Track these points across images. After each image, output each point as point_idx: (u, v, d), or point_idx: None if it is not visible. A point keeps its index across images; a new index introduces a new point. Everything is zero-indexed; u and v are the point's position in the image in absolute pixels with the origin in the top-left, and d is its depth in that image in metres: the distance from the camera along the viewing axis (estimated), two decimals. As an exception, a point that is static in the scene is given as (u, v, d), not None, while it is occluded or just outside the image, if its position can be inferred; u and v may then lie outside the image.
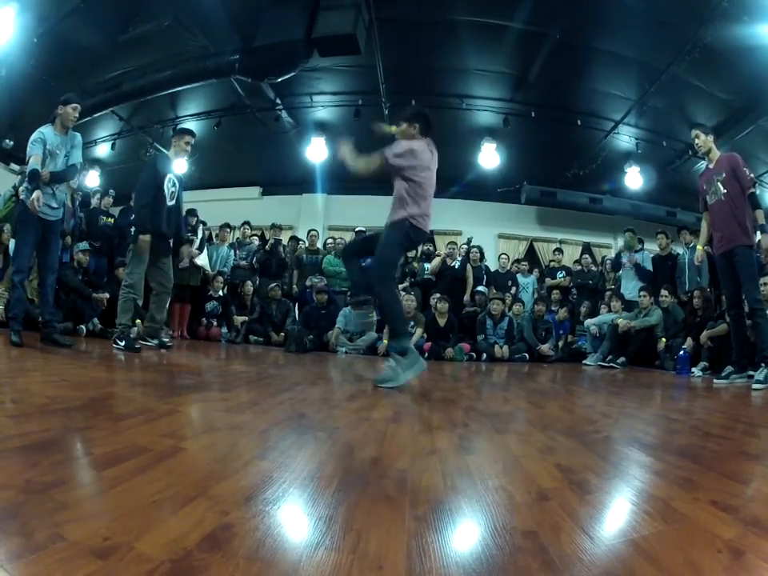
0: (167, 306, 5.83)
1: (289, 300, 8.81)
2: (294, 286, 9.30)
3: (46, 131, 4.49)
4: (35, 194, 4.24)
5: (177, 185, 5.43)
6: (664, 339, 7.20)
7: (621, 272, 8.99)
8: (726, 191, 4.79)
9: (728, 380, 4.91)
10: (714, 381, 5.05)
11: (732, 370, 4.99)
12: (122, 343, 4.97)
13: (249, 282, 8.74)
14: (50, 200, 4.52)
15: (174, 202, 5.39)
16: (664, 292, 7.63)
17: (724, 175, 4.80)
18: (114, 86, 9.05)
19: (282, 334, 8.01)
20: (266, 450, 1.53)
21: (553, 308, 9.01)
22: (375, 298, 4.22)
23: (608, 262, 9.85)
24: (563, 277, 10.03)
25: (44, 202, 4.43)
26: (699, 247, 5.52)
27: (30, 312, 4.90)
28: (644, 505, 1.16)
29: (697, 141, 5.04)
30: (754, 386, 4.32)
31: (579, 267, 10.19)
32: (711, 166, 5.02)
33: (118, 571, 0.72)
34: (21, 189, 4.54)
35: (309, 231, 10.03)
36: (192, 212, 8.19)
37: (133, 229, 5.31)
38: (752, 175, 4.84)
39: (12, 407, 1.79)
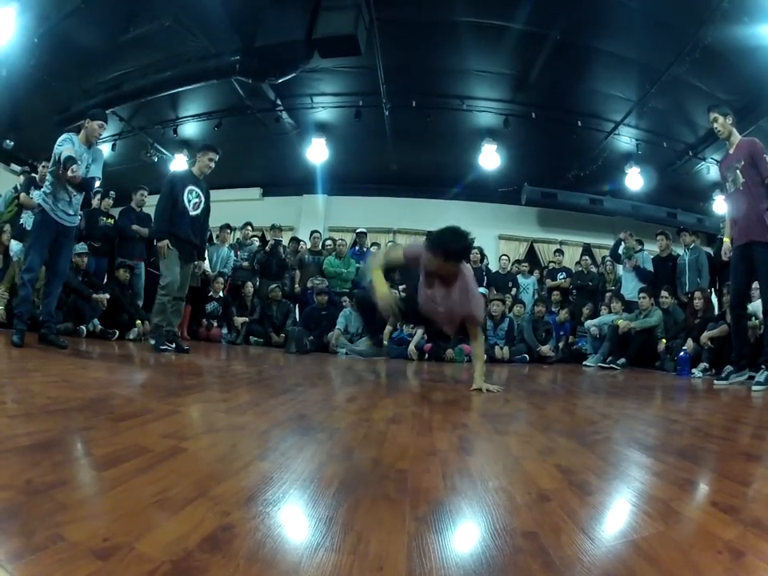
0: (183, 310, 5.94)
1: (289, 301, 8.81)
2: (297, 286, 9.29)
3: (73, 138, 4.52)
4: (73, 167, 4.19)
5: (201, 196, 5.65)
6: (664, 340, 7.20)
7: (621, 272, 9.01)
8: (744, 180, 4.56)
9: (727, 380, 4.86)
10: (714, 382, 5.02)
11: (731, 370, 4.95)
12: (152, 342, 5.38)
13: (249, 283, 8.75)
14: (66, 207, 4.55)
15: (197, 211, 5.62)
16: (664, 293, 7.63)
17: (743, 163, 4.56)
18: (114, 87, 9.06)
19: (283, 335, 8.01)
20: (266, 451, 1.53)
21: (553, 309, 9.01)
22: None
23: (608, 261, 9.86)
24: (564, 278, 10.02)
25: (60, 208, 4.49)
26: (726, 239, 5.01)
27: (31, 312, 4.89)
28: (644, 506, 1.16)
29: (715, 125, 4.74)
30: (755, 387, 4.29)
31: (579, 268, 10.18)
32: (731, 152, 4.74)
33: (119, 572, 0.72)
34: (38, 193, 4.57)
35: (312, 232, 10.01)
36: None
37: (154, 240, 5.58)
38: None
39: (13, 407, 1.80)
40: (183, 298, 5.80)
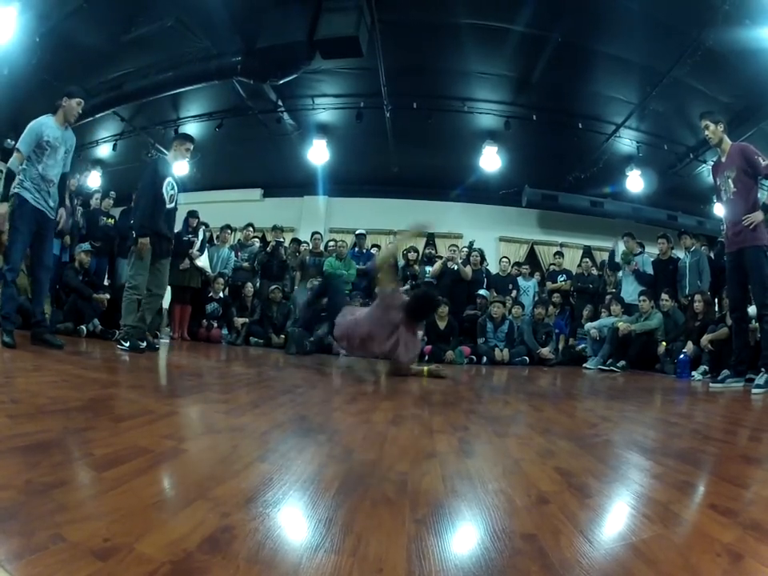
0: (158, 308, 5.81)
1: (289, 302, 8.81)
2: (296, 287, 9.30)
3: (46, 122, 4.44)
4: (1, 207, 4.22)
5: (176, 188, 5.50)
6: (664, 343, 7.19)
7: (621, 275, 9.00)
8: (735, 190, 4.61)
9: (723, 384, 4.83)
10: (710, 385, 4.96)
11: (728, 374, 4.92)
12: (127, 344, 5.00)
13: (249, 284, 8.75)
14: (46, 197, 4.46)
15: (173, 204, 5.47)
16: (664, 296, 7.62)
17: (735, 172, 4.60)
18: (115, 87, 9.07)
19: (283, 335, 8.01)
20: (266, 453, 1.53)
21: (550, 311, 9.00)
22: None
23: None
24: (564, 280, 10.02)
25: (42, 197, 4.42)
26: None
27: (18, 307, 4.78)
28: (643, 508, 1.16)
29: (706, 132, 4.79)
30: (754, 390, 4.28)
31: (580, 271, 10.17)
32: (723, 159, 4.77)
33: (119, 572, 0.72)
34: (14, 183, 4.47)
35: (312, 234, 10.01)
36: (193, 213, 8.20)
37: (133, 232, 5.31)
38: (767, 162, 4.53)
39: (12, 407, 1.79)
40: (162, 295, 5.63)
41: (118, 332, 6.09)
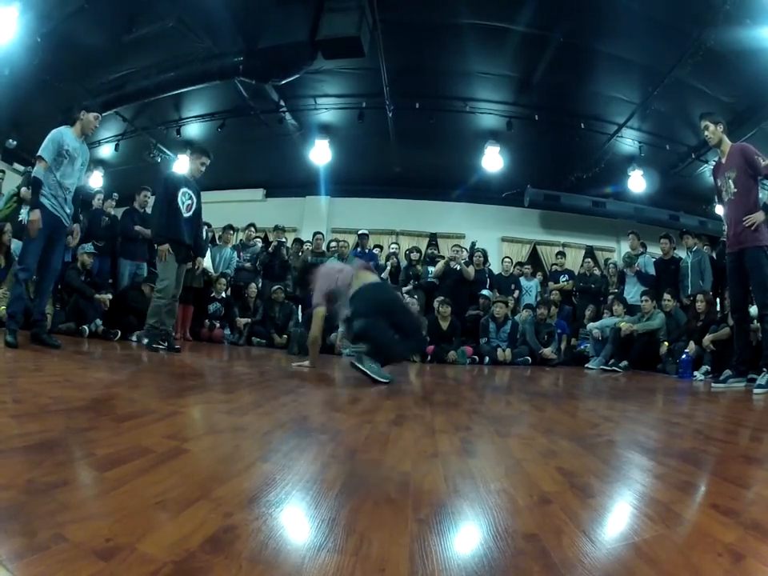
0: (175, 309, 5.92)
1: (292, 302, 8.81)
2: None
3: (66, 132, 4.51)
4: (33, 214, 4.26)
5: (194, 198, 5.72)
6: (666, 343, 7.19)
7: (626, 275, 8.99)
8: (736, 190, 4.60)
9: (725, 384, 4.81)
10: (712, 385, 4.95)
11: (730, 374, 4.90)
12: (145, 341, 5.49)
13: (253, 284, 8.75)
14: (63, 203, 4.53)
15: (190, 213, 5.68)
16: (666, 296, 7.62)
17: (735, 172, 4.59)
18: (117, 87, 9.06)
19: (285, 336, 8.01)
20: (268, 453, 1.54)
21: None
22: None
23: (611, 265, 9.84)
24: (566, 280, 10.00)
25: (59, 203, 4.48)
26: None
27: (28, 307, 4.84)
28: (645, 508, 1.16)
29: (706, 132, 4.78)
30: (756, 390, 4.27)
31: (582, 271, 10.15)
32: (723, 160, 4.76)
33: (121, 572, 0.72)
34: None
35: (314, 234, 10.00)
36: (195, 213, 8.21)
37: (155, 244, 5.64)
38: (767, 162, 4.51)
39: (14, 407, 1.80)
40: (177, 298, 5.79)
41: (119, 332, 6.19)
